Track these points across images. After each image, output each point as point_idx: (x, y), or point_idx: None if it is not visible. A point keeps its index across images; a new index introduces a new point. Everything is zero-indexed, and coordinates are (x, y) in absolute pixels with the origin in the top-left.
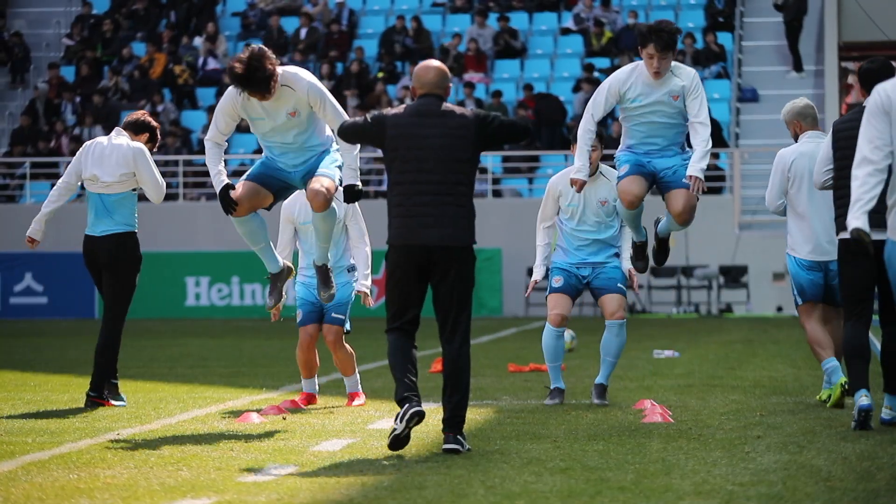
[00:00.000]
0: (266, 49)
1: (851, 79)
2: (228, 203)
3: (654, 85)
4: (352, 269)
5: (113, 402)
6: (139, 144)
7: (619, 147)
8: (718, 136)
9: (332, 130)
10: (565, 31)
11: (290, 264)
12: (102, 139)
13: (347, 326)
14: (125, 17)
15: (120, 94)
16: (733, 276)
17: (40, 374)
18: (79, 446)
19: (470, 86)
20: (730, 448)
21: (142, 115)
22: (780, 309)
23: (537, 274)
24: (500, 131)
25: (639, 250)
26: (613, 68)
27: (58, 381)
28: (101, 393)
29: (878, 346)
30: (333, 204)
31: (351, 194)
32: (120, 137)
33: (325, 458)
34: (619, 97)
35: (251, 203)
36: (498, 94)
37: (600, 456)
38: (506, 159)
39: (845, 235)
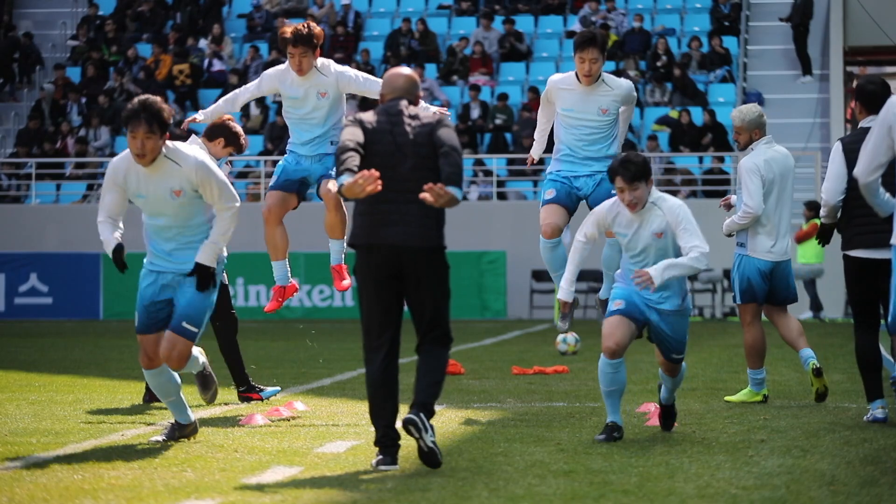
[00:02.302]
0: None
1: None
2: (121, 264)
3: (635, 219)
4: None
5: (262, 395)
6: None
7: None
8: (723, 140)
9: (220, 212)
10: (571, 35)
11: (196, 425)
12: None
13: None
14: (131, 18)
15: (126, 95)
16: None
17: (45, 374)
18: (83, 447)
19: (475, 88)
20: (733, 452)
21: (219, 119)
22: None
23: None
24: (444, 136)
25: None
26: (618, 72)
27: (62, 381)
28: (249, 387)
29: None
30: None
31: (203, 276)
32: (192, 146)
33: (329, 459)
34: (606, 228)
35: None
36: (503, 96)
37: (604, 459)
38: (510, 162)
39: (857, 253)
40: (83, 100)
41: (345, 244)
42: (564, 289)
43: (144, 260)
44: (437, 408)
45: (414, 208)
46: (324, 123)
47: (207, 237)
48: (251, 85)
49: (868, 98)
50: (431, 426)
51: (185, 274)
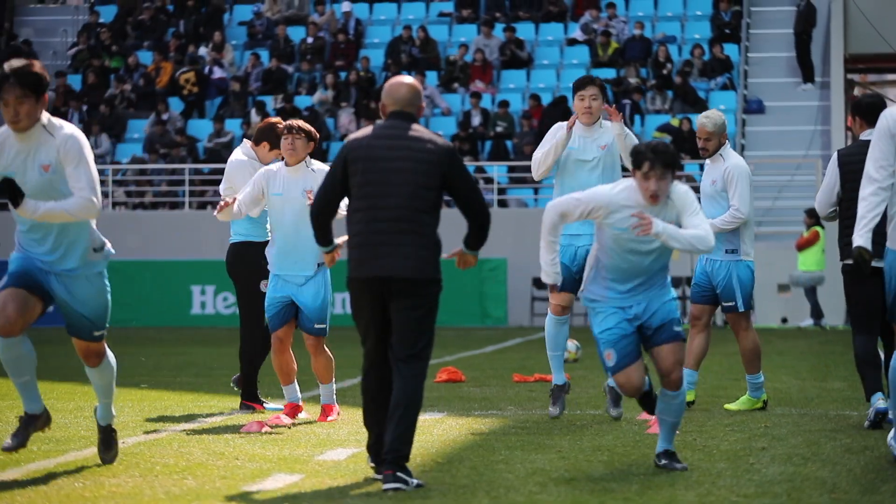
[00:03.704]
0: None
1: (858, 91)
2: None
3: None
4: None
5: (265, 407)
6: (241, 158)
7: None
8: None
9: (80, 199)
10: (571, 42)
11: (49, 413)
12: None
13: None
14: (132, 26)
15: (126, 102)
16: None
17: (45, 381)
18: (84, 454)
19: (476, 96)
20: (734, 460)
21: (265, 122)
22: (784, 321)
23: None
24: (462, 180)
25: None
26: (619, 79)
27: (63, 388)
28: (254, 398)
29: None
30: (109, 359)
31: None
32: (238, 151)
33: (329, 467)
34: (602, 216)
35: (25, 317)
36: (504, 104)
37: (605, 467)
38: (511, 169)
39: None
40: (84, 107)
41: (334, 387)
42: (555, 279)
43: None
44: (438, 415)
45: (408, 238)
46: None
47: (88, 239)
48: (247, 188)
49: (867, 111)
50: (409, 472)
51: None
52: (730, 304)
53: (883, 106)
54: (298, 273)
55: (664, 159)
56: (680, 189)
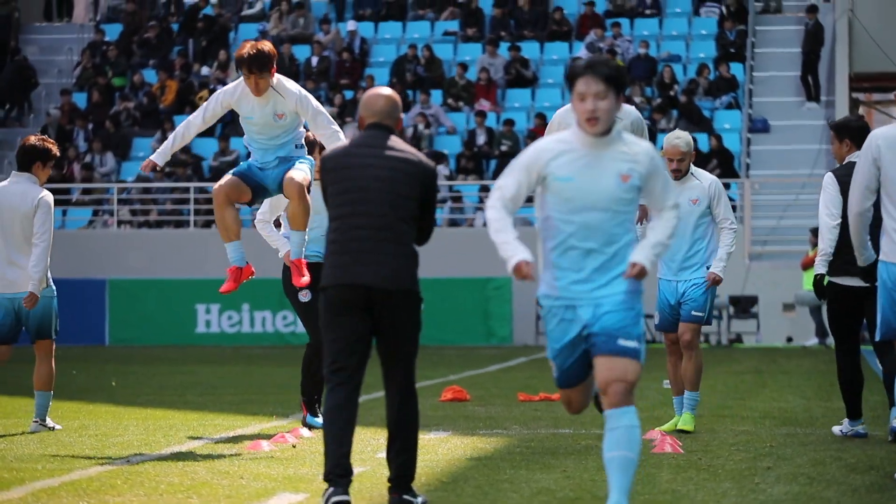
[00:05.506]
0: None
1: (863, 110)
2: None
3: (585, 155)
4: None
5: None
6: None
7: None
8: (729, 167)
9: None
10: (576, 61)
11: None
12: None
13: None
14: (137, 44)
15: (131, 121)
16: (743, 306)
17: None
18: (88, 473)
19: (481, 115)
20: (739, 479)
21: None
22: (790, 339)
23: None
24: (430, 206)
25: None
26: (625, 99)
27: (68, 407)
28: (311, 400)
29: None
30: None
31: None
32: None
33: None
34: (538, 174)
35: None
36: (509, 122)
37: None
38: None
39: (845, 281)
40: (89, 126)
41: (306, 237)
42: (517, 256)
43: None
44: (442, 434)
45: (389, 247)
46: (282, 146)
47: None
48: (200, 109)
49: (856, 133)
50: (414, 492)
51: None
52: (699, 314)
53: (868, 129)
54: (276, 157)
55: (603, 72)
56: (647, 147)
